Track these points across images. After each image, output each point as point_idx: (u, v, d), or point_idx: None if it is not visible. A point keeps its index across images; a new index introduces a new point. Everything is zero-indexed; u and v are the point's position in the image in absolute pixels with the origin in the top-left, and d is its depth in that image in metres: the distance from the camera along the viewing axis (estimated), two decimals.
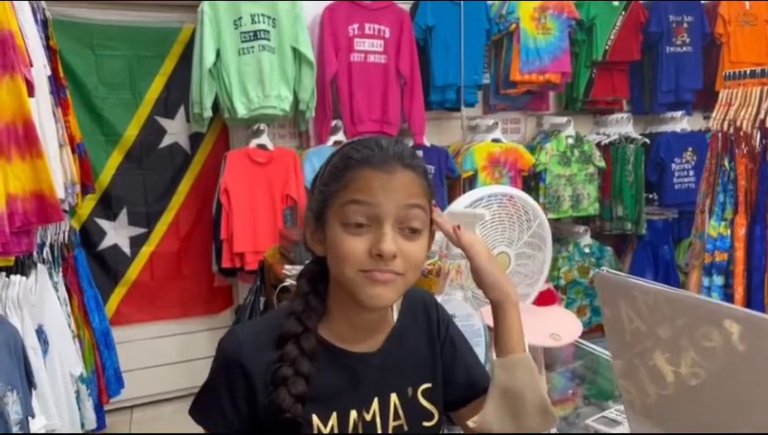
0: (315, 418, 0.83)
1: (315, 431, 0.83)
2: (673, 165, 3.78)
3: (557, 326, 1.42)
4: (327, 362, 0.85)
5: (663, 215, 3.89)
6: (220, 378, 0.85)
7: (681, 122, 3.85)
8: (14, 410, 1.63)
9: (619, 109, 3.92)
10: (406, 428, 0.89)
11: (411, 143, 3.33)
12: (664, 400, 0.70)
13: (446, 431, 0.94)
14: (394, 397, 0.89)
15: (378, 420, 0.87)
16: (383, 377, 0.88)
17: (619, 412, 1.11)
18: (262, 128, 3.09)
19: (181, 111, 3.26)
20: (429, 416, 0.91)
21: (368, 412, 0.87)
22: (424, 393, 0.91)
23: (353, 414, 0.86)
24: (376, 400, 0.87)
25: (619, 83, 3.81)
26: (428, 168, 3.35)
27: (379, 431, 0.87)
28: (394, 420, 0.88)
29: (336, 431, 0.84)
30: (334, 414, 0.85)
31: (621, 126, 3.79)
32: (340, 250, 0.80)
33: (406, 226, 0.81)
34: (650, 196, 3.87)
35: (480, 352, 1.17)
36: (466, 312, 1.15)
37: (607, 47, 3.66)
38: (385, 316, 0.90)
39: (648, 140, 3.77)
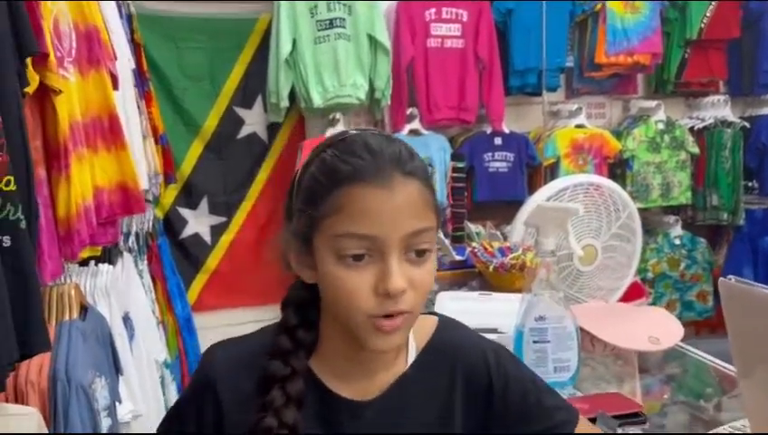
0: None
1: None
2: None
3: (655, 328, 1.32)
4: (311, 400, 0.75)
5: (764, 204, 3.62)
6: (189, 397, 0.79)
7: None
8: (102, 396, 1.68)
9: (715, 91, 3.66)
10: None
11: (489, 130, 3.24)
12: None
13: None
14: None
15: None
16: (376, 430, 0.76)
17: (739, 428, 1.01)
18: (338, 117, 3.07)
19: (259, 101, 3.28)
20: None
21: None
22: None
23: None
24: None
25: (715, 63, 3.56)
26: (508, 156, 3.24)
27: None
28: None
29: None
30: None
31: (717, 109, 3.55)
32: (339, 288, 0.70)
33: (413, 250, 0.70)
34: (749, 184, 3.61)
35: (572, 356, 1.09)
36: (558, 314, 1.07)
37: (703, 25, 3.42)
38: (389, 354, 0.78)
39: (747, 124, 3.52)
